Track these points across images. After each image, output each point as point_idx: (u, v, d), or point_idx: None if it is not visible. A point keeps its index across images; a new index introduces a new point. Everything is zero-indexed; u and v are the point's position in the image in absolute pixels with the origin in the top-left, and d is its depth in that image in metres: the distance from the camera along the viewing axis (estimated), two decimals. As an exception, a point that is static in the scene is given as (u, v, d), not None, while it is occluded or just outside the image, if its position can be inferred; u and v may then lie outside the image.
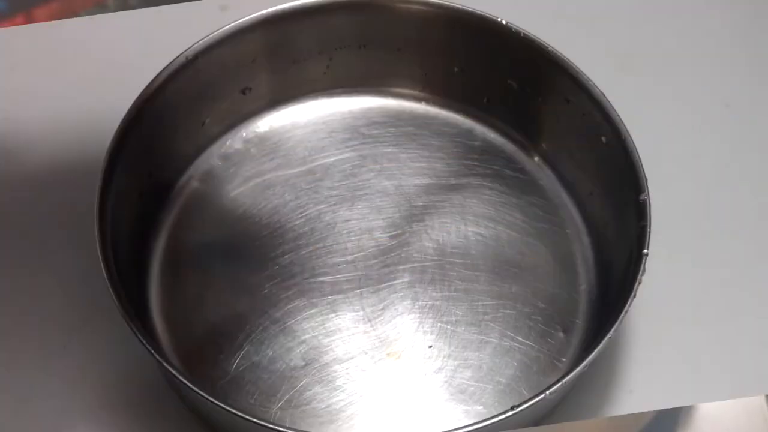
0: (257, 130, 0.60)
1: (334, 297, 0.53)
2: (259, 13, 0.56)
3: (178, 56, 0.54)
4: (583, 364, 0.46)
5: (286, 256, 0.55)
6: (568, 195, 0.58)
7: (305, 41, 0.58)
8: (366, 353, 0.52)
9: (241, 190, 0.57)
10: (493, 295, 0.54)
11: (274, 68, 0.59)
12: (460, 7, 0.57)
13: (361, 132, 0.59)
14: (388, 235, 0.56)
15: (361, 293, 0.54)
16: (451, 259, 0.55)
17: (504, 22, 0.56)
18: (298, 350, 0.52)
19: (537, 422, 0.50)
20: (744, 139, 0.62)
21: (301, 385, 0.51)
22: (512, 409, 0.45)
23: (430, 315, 0.53)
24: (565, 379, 0.45)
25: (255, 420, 0.44)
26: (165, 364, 0.45)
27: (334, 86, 0.60)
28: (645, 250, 0.48)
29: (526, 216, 0.57)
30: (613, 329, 0.46)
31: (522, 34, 0.56)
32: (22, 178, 0.58)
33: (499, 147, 0.59)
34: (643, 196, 0.50)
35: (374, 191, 0.57)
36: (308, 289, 0.54)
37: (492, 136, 0.60)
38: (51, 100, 0.61)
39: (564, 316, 0.53)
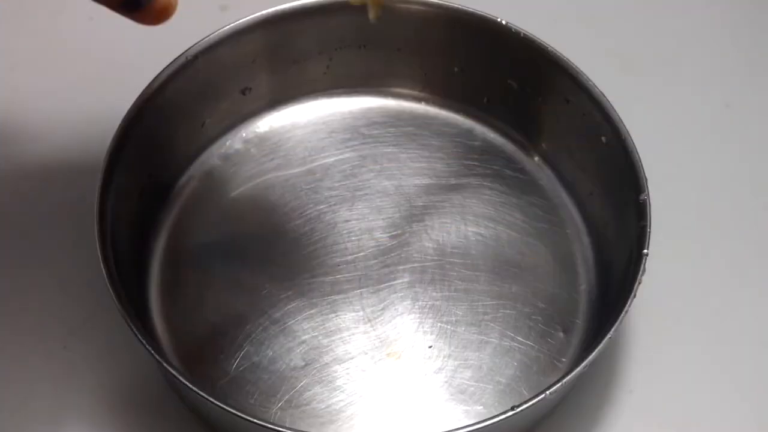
0: (257, 130, 0.60)
1: (334, 297, 0.53)
2: (259, 13, 0.56)
3: (178, 56, 0.55)
4: (583, 364, 0.46)
5: (286, 256, 0.55)
6: (568, 195, 0.58)
7: (305, 41, 0.58)
8: (366, 353, 0.52)
9: (241, 190, 0.57)
10: (493, 295, 0.54)
11: (274, 68, 0.59)
12: (460, 7, 0.57)
13: (361, 132, 0.59)
14: (388, 235, 0.56)
15: (361, 293, 0.54)
16: (451, 259, 0.55)
17: (504, 22, 0.56)
18: (298, 350, 0.52)
19: (537, 422, 0.50)
20: (744, 139, 0.62)
21: (301, 385, 0.51)
22: (512, 409, 0.45)
23: (430, 315, 0.53)
24: (565, 379, 0.45)
25: (255, 420, 0.44)
26: (165, 364, 0.45)
27: (334, 86, 0.60)
28: (645, 250, 0.48)
29: (526, 216, 0.57)
30: (613, 329, 0.46)
31: (522, 34, 0.56)
32: (22, 178, 0.58)
33: (499, 147, 0.59)
34: (643, 196, 0.50)
35: (374, 191, 0.57)
36: (308, 289, 0.54)
37: (492, 136, 0.60)
38: (51, 100, 0.61)
39: (564, 316, 0.53)
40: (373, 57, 0.59)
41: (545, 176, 0.58)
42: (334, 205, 0.57)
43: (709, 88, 0.64)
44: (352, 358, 0.52)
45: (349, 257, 0.55)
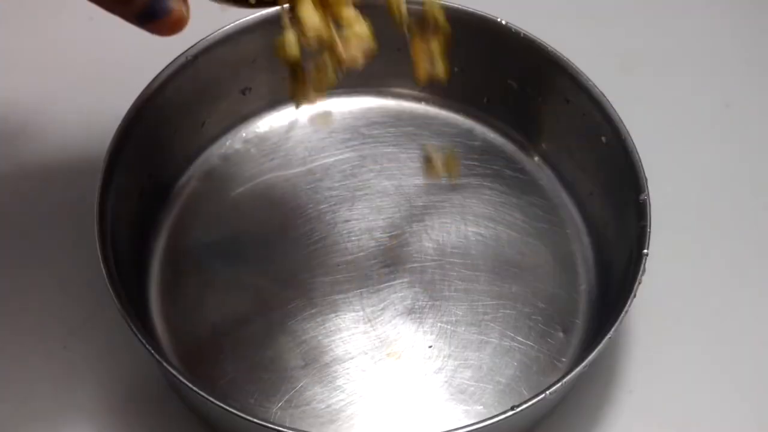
0: (257, 130, 0.60)
1: (334, 297, 0.53)
2: (259, 13, 0.56)
3: (178, 56, 0.55)
4: (583, 364, 0.46)
5: (286, 256, 0.55)
6: (568, 195, 0.58)
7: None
8: (366, 353, 0.52)
9: (241, 190, 0.57)
10: (493, 295, 0.54)
11: (274, 68, 0.59)
12: (460, 7, 0.57)
13: (361, 132, 0.59)
14: (388, 235, 0.56)
15: (361, 293, 0.54)
16: (451, 259, 0.55)
17: (504, 22, 0.56)
18: (298, 350, 0.52)
19: (537, 422, 0.50)
20: (744, 139, 0.62)
21: (301, 385, 0.51)
22: (512, 409, 0.45)
23: (430, 315, 0.53)
24: (565, 379, 0.45)
25: (255, 420, 0.44)
26: (165, 364, 0.45)
27: (334, 86, 0.60)
28: (645, 250, 0.48)
29: (526, 216, 0.57)
30: (613, 329, 0.46)
31: (522, 34, 0.56)
32: (22, 178, 0.58)
33: (499, 147, 0.59)
34: (643, 196, 0.50)
35: (374, 191, 0.57)
36: (308, 289, 0.54)
37: (492, 136, 0.60)
38: (51, 100, 0.61)
39: (564, 316, 0.53)
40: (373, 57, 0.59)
41: (545, 176, 0.58)
42: (334, 205, 0.57)
43: (709, 88, 0.64)
44: (352, 358, 0.52)
45: (349, 257, 0.55)
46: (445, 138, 0.59)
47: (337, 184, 0.57)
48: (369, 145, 0.59)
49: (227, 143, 0.59)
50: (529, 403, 0.45)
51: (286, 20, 0.45)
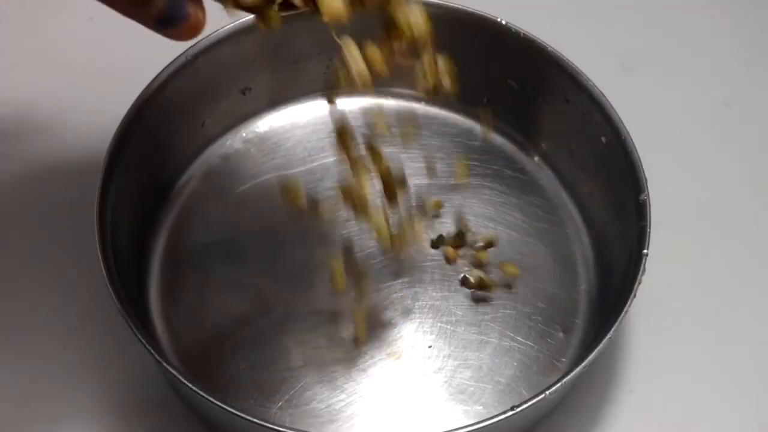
0: (257, 130, 0.60)
1: (334, 297, 0.53)
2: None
3: (178, 56, 0.55)
4: (583, 364, 0.46)
5: (286, 256, 0.55)
6: (568, 195, 0.58)
7: (305, 41, 0.58)
8: (366, 353, 0.52)
9: (241, 190, 0.57)
10: (493, 295, 0.54)
11: (274, 68, 0.59)
12: (460, 7, 0.57)
13: (361, 132, 0.59)
14: (388, 235, 0.56)
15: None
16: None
17: (504, 22, 0.56)
18: (298, 350, 0.52)
19: (537, 422, 0.50)
20: (744, 139, 0.62)
21: (301, 385, 0.51)
22: (512, 409, 0.45)
23: (430, 315, 0.53)
24: (565, 379, 0.45)
25: (255, 420, 0.44)
26: (165, 364, 0.45)
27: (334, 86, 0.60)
28: (645, 250, 0.48)
29: (526, 216, 0.57)
30: (613, 329, 0.46)
31: (522, 34, 0.56)
32: (22, 178, 0.58)
33: (499, 147, 0.59)
34: (643, 196, 0.50)
35: (374, 191, 0.57)
36: (308, 289, 0.54)
37: (492, 136, 0.60)
38: (51, 100, 0.61)
39: (564, 316, 0.53)
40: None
41: (545, 176, 0.58)
42: (334, 205, 0.57)
43: (709, 88, 0.64)
44: (352, 358, 0.52)
45: (349, 257, 0.55)
46: (445, 138, 0.59)
47: (337, 184, 0.57)
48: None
49: (227, 143, 0.59)
50: (529, 403, 0.45)
51: None
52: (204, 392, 0.44)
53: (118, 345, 0.51)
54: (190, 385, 0.44)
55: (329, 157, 0.58)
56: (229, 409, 0.44)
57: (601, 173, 0.55)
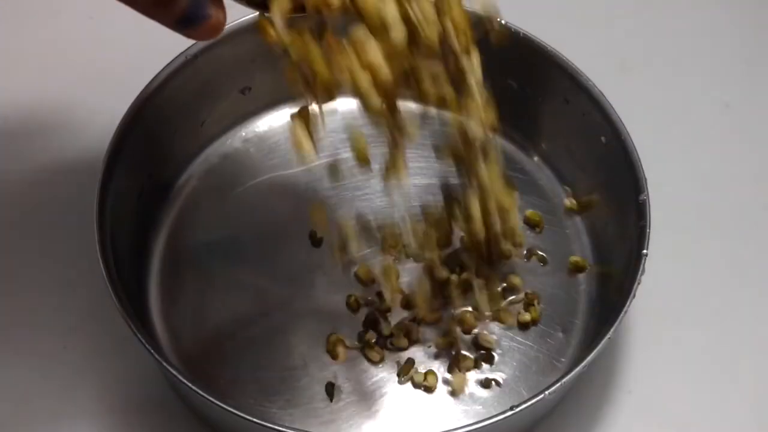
0: (257, 129, 0.60)
1: (333, 297, 0.53)
2: (258, 14, 0.55)
3: (178, 56, 0.55)
4: (583, 364, 0.46)
5: (286, 256, 0.55)
6: (568, 194, 0.58)
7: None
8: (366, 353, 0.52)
9: (241, 190, 0.57)
10: (492, 295, 0.54)
11: (273, 68, 0.58)
12: (460, 7, 0.57)
13: (361, 132, 0.59)
14: (388, 235, 0.56)
15: (360, 293, 0.54)
16: (451, 259, 0.55)
17: (504, 22, 0.56)
18: (298, 350, 0.52)
19: (536, 422, 0.50)
20: (744, 139, 0.62)
21: (301, 385, 0.51)
22: (512, 409, 0.45)
23: (430, 315, 0.53)
24: (564, 380, 0.45)
25: (255, 420, 0.44)
26: (165, 364, 0.45)
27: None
28: (644, 251, 0.48)
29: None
30: (612, 329, 0.46)
31: (522, 34, 0.56)
32: (22, 178, 0.58)
33: (499, 147, 0.59)
34: (642, 197, 0.50)
35: (374, 191, 0.57)
36: (308, 289, 0.54)
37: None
38: (51, 100, 0.61)
39: (564, 316, 0.53)
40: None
41: (545, 176, 0.58)
42: (334, 205, 0.57)
43: (709, 88, 0.64)
44: (352, 358, 0.52)
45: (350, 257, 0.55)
46: (445, 138, 0.59)
47: (337, 184, 0.57)
48: (369, 145, 0.59)
49: (227, 143, 0.59)
50: (529, 403, 0.45)
51: None
52: (204, 392, 0.44)
53: (118, 345, 0.51)
54: (190, 385, 0.44)
55: (329, 157, 0.58)
56: (229, 409, 0.44)
57: (601, 173, 0.55)
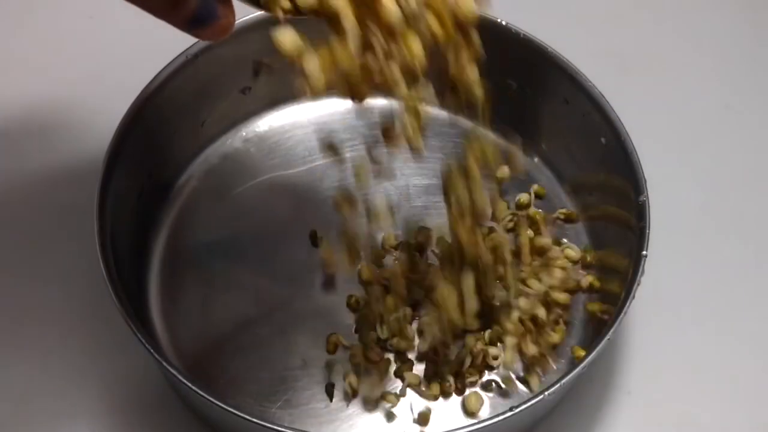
0: (257, 129, 0.60)
1: (333, 297, 0.53)
2: (259, 13, 0.55)
3: (179, 55, 0.55)
4: (582, 365, 0.46)
5: (286, 256, 0.55)
6: (568, 195, 0.58)
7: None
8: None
9: (241, 190, 0.57)
10: (492, 295, 0.54)
11: (274, 68, 0.59)
12: (460, 7, 0.57)
13: (361, 132, 0.59)
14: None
15: (360, 293, 0.53)
16: (451, 259, 0.55)
17: (504, 22, 0.56)
18: (298, 350, 0.52)
19: (536, 423, 0.50)
20: (744, 140, 0.62)
21: (301, 385, 0.51)
22: (511, 409, 0.45)
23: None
24: (563, 380, 0.45)
25: (255, 420, 0.44)
26: (164, 364, 0.45)
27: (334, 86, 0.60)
28: (644, 252, 0.48)
29: (525, 216, 0.57)
30: (612, 330, 0.46)
31: (522, 35, 0.56)
32: (22, 178, 0.58)
33: (499, 147, 0.59)
34: (642, 197, 0.50)
35: (374, 191, 0.57)
36: (308, 289, 0.54)
37: (492, 136, 0.59)
38: (51, 100, 0.61)
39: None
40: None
41: (545, 176, 0.58)
42: (334, 204, 0.57)
43: (709, 89, 0.64)
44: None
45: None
46: (445, 138, 0.59)
47: (337, 184, 0.57)
48: (369, 145, 0.59)
49: (227, 143, 0.59)
50: (528, 403, 0.45)
51: None
52: (204, 392, 0.44)
53: (118, 345, 0.51)
54: (190, 385, 0.44)
55: (329, 157, 0.58)
56: (229, 409, 0.44)
57: (601, 174, 0.55)
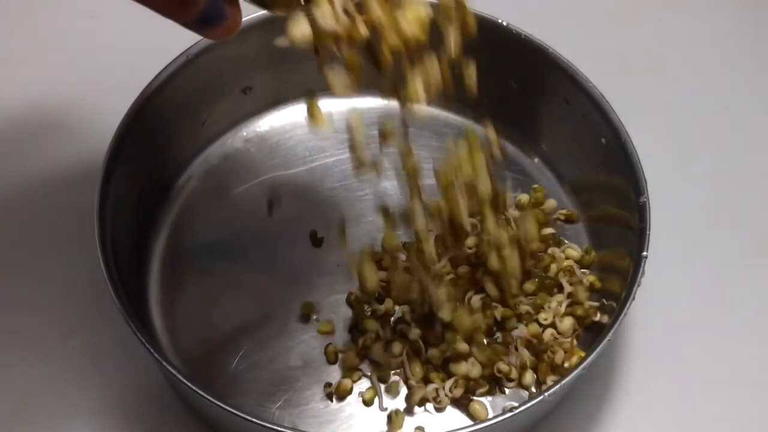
0: (257, 129, 0.60)
1: (333, 297, 0.53)
2: (259, 13, 0.55)
3: (179, 55, 0.55)
4: (582, 366, 0.46)
5: (286, 256, 0.55)
6: (568, 195, 0.58)
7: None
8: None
9: (241, 190, 0.57)
10: (492, 296, 0.54)
11: (274, 68, 0.59)
12: (460, 8, 0.57)
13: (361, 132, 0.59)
14: (388, 235, 0.56)
15: (360, 293, 0.54)
16: (451, 260, 0.55)
17: (504, 23, 0.56)
18: (298, 350, 0.52)
19: (535, 423, 0.50)
20: (744, 140, 0.62)
21: (300, 385, 0.51)
22: (511, 410, 0.45)
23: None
24: (563, 381, 0.45)
25: (254, 420, 0.44)
26: (164, 364, 0.45)
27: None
28: (644, 252, 0.48)
29: (525, 217, 0.57)
30: (612, 331, 0.46)
31: (522, 36, 0.56)
32: (22, 178, 0.58)
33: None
34: (642, 198, 0.50)
35: (374, 191, 0.57)
36: (308, 289, 0.54)
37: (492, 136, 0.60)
38: (51, 100, 0.61)
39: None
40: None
41: (545, 177, 0.59)
42: (334, 204, 0.57)
43: (709, 90, 0.64)
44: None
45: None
46: (445, 138, 0.59)
47: (337, 184, 0.57)
48: (369, 146, 0.59)
49: (227, 142, 0.59)
50: (528, 405, 0.45)
51: None
52: (204, 392, 0.44)
53: (118, 345, 0.51)
54: (190, 385, 0.44)
55: (330, 157, 0.58)
56: (229, 409, 0.44)
57: (601, 174, 0.55)
